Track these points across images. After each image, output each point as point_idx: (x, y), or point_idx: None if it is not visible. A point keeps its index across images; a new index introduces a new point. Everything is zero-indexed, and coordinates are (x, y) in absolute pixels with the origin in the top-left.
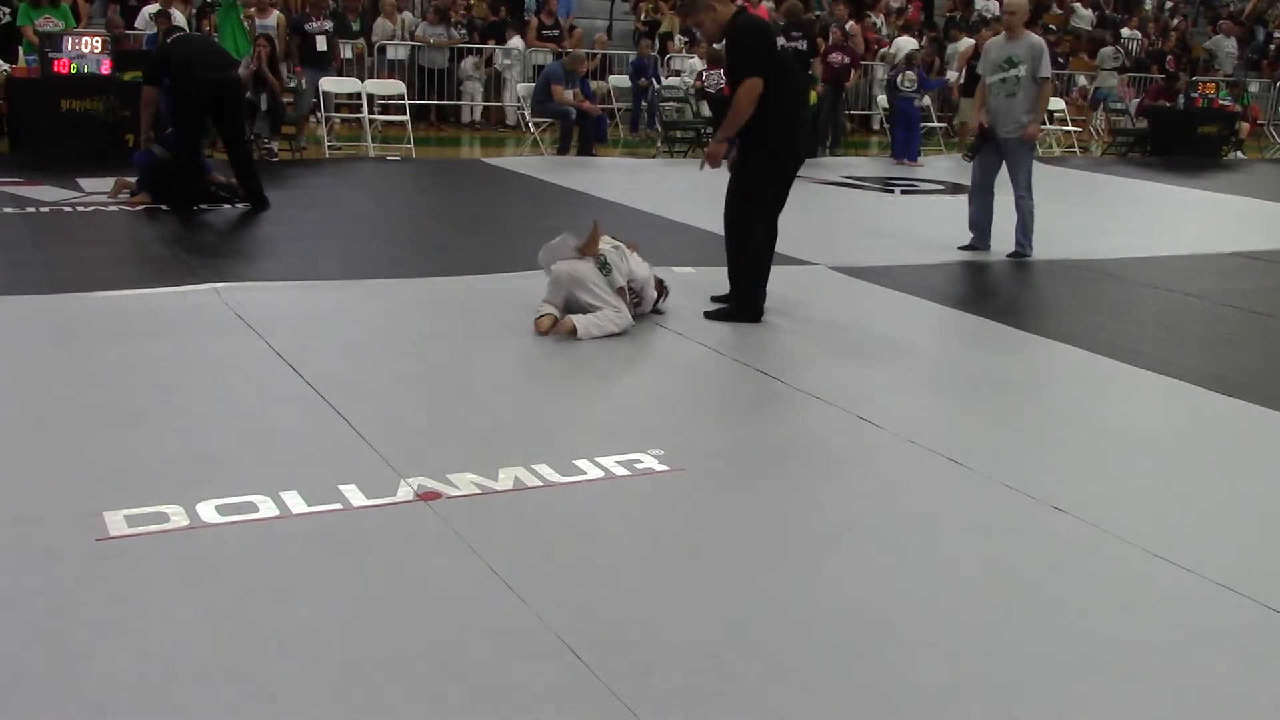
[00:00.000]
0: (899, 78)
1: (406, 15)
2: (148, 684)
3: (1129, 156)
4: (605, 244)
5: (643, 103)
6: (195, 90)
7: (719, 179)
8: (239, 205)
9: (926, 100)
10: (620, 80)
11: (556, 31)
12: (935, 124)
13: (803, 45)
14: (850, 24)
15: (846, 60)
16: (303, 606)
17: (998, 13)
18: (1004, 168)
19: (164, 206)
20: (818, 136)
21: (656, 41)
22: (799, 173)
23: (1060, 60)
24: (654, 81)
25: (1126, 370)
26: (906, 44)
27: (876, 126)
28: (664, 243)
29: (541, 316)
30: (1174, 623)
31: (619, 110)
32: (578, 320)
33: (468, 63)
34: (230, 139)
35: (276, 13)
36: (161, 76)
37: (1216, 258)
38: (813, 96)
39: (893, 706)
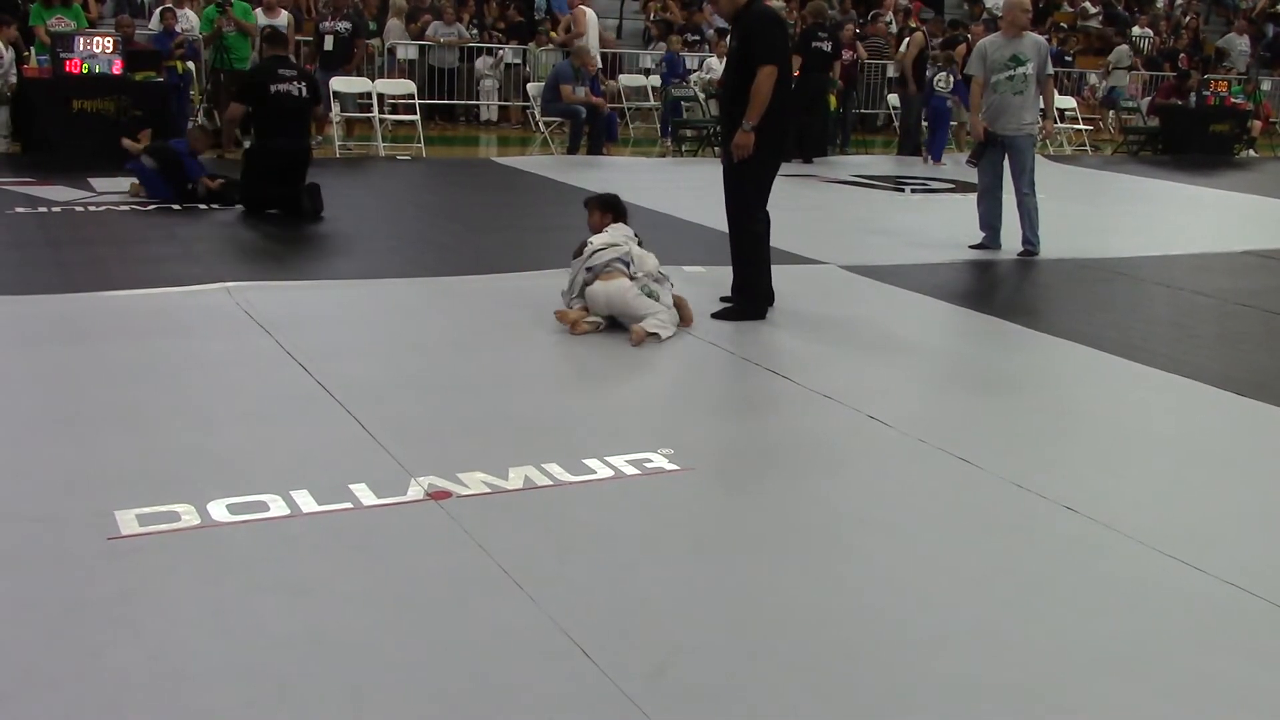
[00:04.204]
0: (935, 78)
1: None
2: (158, 682)
3: (1140, 155)
4: (619, 232)
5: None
6: (268, 156)
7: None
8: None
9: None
10: (632, 80)
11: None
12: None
13: (828, 46)
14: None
15: (855, 57)
16: (313, 605)
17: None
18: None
19: (175, 206)
20: (828, 136)
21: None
22: (810, 172)
23: (1068, 59)
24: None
25: (1137, 369)
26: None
27: (882, 124)
28: (674, 241)
29: (579, 320)
30: (1185, 623)
31: (629, 110)
32: (648, 326)
33: (481, 62)
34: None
35: (285, 13)
36: (249, 99)
37: (1228, 256)
38: (832, 101)
39: (903, 705)
